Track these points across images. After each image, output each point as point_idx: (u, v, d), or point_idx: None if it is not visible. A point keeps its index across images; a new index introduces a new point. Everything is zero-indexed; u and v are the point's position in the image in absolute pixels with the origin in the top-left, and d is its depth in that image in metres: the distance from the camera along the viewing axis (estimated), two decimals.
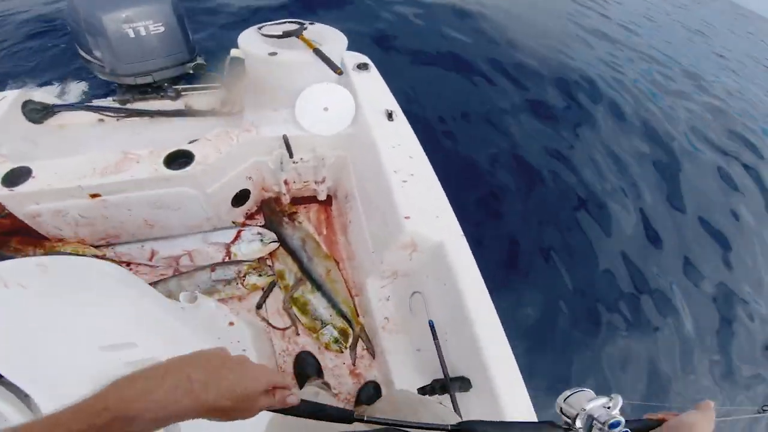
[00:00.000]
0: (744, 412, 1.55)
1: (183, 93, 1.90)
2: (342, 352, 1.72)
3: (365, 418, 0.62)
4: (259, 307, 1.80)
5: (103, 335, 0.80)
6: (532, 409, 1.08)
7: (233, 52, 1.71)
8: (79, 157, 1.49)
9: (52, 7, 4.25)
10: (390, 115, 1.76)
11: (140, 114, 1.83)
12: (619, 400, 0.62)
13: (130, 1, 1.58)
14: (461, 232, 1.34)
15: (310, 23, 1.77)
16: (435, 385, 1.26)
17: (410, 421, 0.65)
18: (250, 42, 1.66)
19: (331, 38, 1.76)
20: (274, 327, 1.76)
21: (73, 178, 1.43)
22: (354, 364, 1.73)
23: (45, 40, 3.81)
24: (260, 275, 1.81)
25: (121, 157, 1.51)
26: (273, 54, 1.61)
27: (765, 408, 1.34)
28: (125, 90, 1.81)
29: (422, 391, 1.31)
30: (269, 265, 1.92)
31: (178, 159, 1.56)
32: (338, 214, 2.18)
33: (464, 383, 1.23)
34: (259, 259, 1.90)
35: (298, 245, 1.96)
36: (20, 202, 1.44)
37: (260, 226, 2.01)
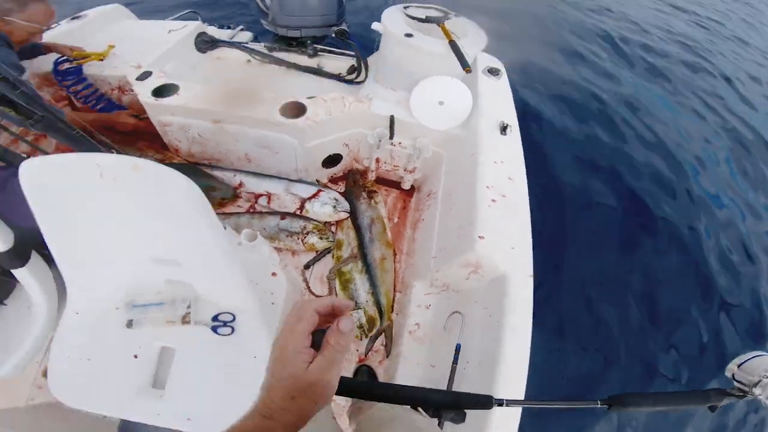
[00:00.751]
0: None
1: (320, 53, 2.04)
2: (360, 339, 1.68)
3: (505, 403, 0.67)
4: (307, 267, 1.85)
5: (160, 244, 0.87)
6: None
7: (375, 25, 1.76)
8: (220, 86, 1.71)
9: None
10: (504, 129, 1.62)
11: (279, 63, 2.02)
12: None
13: None
14: (531, 272, 1.17)
15: (455, 14, 1.72)
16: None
17: (556, 400, 0.70)
18: (392, 19, 1.69)
19: (471, 34, 1.70)
20: (311, 292, 1.80)
21: (207, 102, 1.64)
22: (365, 356, 1.67)
23: None
24: (321, 238, 1.86)
25: (250, 95, 1.68)
26: (409, 35, 1.61)
27: None
28: (276, 39, 2.03)
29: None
30: (332, 232, 1.97)
31: (293, 109, 1.68)
32: (415, 208, 2.13)
33: (458, 415, 1.10)
34: (325, 222, 1.96)
35: (365, 223, 1.97)
36: (160, 110, 1.72)
37: (339, 193, 2.07)
